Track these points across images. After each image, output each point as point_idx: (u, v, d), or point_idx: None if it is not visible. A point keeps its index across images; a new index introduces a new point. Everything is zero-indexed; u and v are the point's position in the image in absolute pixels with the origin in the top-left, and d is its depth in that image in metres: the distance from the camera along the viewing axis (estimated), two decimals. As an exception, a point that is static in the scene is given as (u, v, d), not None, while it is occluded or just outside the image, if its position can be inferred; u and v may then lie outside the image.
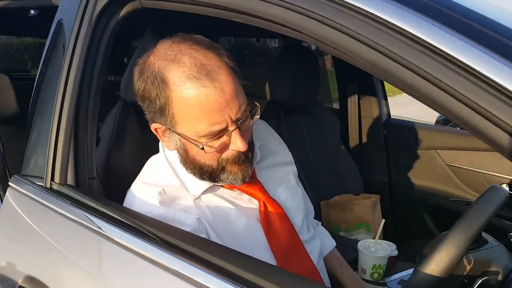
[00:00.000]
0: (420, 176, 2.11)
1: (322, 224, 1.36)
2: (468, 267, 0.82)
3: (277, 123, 1.87)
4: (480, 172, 1.92)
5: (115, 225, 0.85)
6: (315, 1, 0.67)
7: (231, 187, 1.00)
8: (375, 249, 1.34)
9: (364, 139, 2.28)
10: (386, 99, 2.27)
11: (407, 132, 2.16)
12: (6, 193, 1.13)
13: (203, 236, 0.92)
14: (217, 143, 0.88)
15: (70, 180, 1.02)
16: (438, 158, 2.04)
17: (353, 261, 1.37)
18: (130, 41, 3.08)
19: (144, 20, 1.46)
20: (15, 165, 1.18)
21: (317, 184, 1.98)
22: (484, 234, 0.91)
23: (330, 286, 1.13)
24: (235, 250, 0.82)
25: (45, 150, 1.05)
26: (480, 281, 0.79)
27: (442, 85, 0.60)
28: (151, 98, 0.88)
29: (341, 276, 1.22)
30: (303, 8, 0.66)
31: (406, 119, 2.31)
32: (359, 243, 1.36)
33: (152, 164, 1.04)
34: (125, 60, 3.14)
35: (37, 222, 1.02)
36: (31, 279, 0.95)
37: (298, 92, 1.89)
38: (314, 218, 1.31)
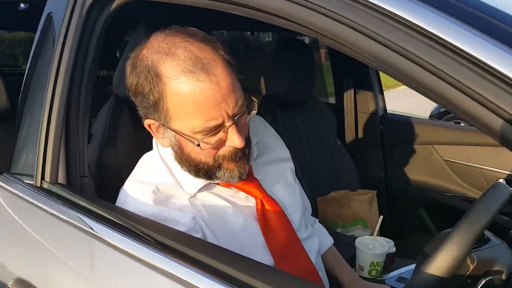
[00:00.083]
0: (417, 171, 2.10)
1: (318, 221, 1.34)
2: (472, 267, 0.80)
3: (273, 118, 1.85)
4: (477, 167, 1.91)
5: (107, 226, 0.82)
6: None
7: (227, 184, 0.97)
8: (373, 246, 1.33)
9: (360, 134, 2.27)
10: (382, 94, 2.26)
11: (403, 127, 2.14)
12: (-5, 192, 1.09)
13: (199, 235, 0.90)
14: (213, 139, 0.86)
15: (61, 178, 0.99)
16: (434, 153, 2.03)
17: (351, 258, 1.35)
18: (123, 34, 3.03)
19: (136, 13, 1.42)
20: (6, 163, 1.15)
21: (313, 180, 1.97)
22: (486, 232, 0.89)
23: (328, 286, 1.11)
24: (232, 251, 0.79)
25: (35, 148, 1.02)
26: (484, 281, 0.77)
27: (447, 78, 0.57)
28: (144, 93, 0.85)
29: (339, 274, 1.21)
30: (305, 0, 0.63)
31: (403, 114, 2.29)
32: (357, 240, 1.34)
33: (146, 162, 1.01)
34: (117, 54, 3.10)
35: (27, 222, 0.98)
36: (21, 282, 0.92)
37: (294, 87, 1.87)
38: (311, 214, 1.29)
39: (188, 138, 0.85)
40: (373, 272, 1.32)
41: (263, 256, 0.97)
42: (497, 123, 0.58)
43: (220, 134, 0.86)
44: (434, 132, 2.07)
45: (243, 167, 0.91)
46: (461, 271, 0.80)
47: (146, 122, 0.90)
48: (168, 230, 0.82)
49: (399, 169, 2.14)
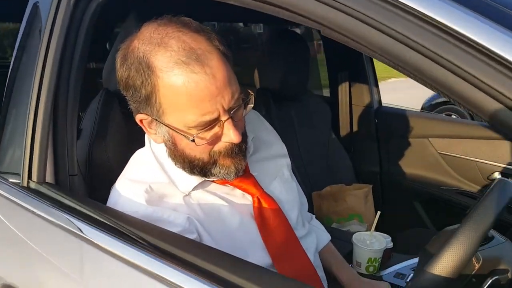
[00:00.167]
0: (412, 165, 2.09)
1: (315, 217, 1.32)
2: (477, 266, 0.78)
3: (267, 112, 1.82)
4: (473, 160, 1.90)
5: (98, 228, 0.78)
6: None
7: (223, 182, 0.94)
8: (370, 242, 1.31)
9: (355, 128, 2.25)
10: (377, 86, 2.23)
11: (398, 120, 2.12)
12: (-21, 192, 1.04)
13: (194, 236, 0.87)
14: (208, 134, 0.82)
15: (49, 177, 0.95)
16: (430, 147, 2.02)
17: (348, 255, 1.33)
18: (113, 25, 2.97)
19: (126, 3, 1.38)
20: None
21: (308, 174, 1.95)
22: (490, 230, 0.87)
23: (325, 284, 1.09)
24: (228, 254, 0.76)
25: (21, 145, 0.98)
26: (490, 281, 0.75)
27: (458, 71, 0.54)
28: (135, 86, 0.81)
29: (337, 272, 1.19)
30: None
31: (398, 107, 2.27)
32: (354, 236, 1.32)
33: (138, 159, 0.97)
34: (107, 46, 3.04)
35: (13, 224, 0.94)
36: (7, 287, 0.88)
37: (289, 79, 1.85)
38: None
39: (182, 134, 0.82)
40: (371, 268, 1.31)
41: (261, 255, 0.94)
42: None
43: (216, 129, 0.82)
44: (429, 125, 2.06)
45: (239, 163, 0.88)
46: (466, 271, 0.78)
47: (138, 117, 0.86)
48: (161, 232, 0.78)
49: (394, 162, 2.13)
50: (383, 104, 2.28)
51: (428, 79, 0.55)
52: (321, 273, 1.09)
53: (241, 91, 0.83)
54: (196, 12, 0.85)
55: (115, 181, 0.94)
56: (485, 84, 0.54)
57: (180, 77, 0.76)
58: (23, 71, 1.09)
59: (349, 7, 0.57)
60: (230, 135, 0.82)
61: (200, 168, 0.87)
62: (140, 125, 0.88)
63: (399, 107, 2.27)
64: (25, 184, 0.96)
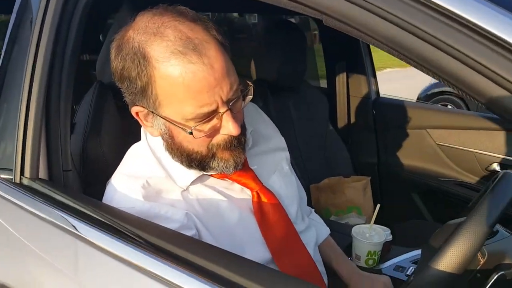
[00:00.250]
0: (410, 156, 2.08)
1: (314, 211, 1.30)
2: (482, 261, 0.77)
3: (264, 104, 1.80)
4: (471, 151, 1.89)
5: (93, 226, 0.76)
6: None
7: (222, 176, 0.92)
8: (370, 235, 1.30)
9: (353, 119, 2.23)
10: (375, 77, 2.22)
11: (396, 111, 2.11)
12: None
13: (192, 232, 0.85)
14: (206, 126, 0.80)
15: (42, 173, 0.92)
16: (428, 138, 2.01)
17: (347, 248, 1.32)
18: (106, 16, 2.92)
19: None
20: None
21: (306, 166, 1.94)
22: (494, 223, 0.86)
23: (325, 278, 1.07)
24: (227, 251, 0.74)
25: (13, 140, 0.95)
26: (496, 276, 0.74)
27: (470, 62, 0.52)
28: (131, 77, 0.79)
29: (337, 266, 1.17)
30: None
31: (396, 98, 2.26)
32: (353, 229, 1.31)
33: (134, 153, 0.95)
34: (100, 37, 3.00)
35: (5, 222, 0.92)
36: (1, 286, 0.85)
37: (286, 69, 1.83)
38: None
39: (180, 126, 0.80)
40: (370, 262, 1.30)
41: (260, 250, 0.93)
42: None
43: (214, 121, 0.80)
44: (427, 116, 2.05)
45: (238, 157, 0.86)
46: (471, 266, 0.76)
47: (134, 110, 0.84)
48: (158, 229, 0.76)
49: (392, 154, 2.12)
50: (385, 95, 2.26)
51: (434, 68, 0.53)
52: (321, 268, 1.07)
53: (239, 82, 0.81)
54: (190, 2, 0.82)
55: (110, 177, 0.91)
56: (490, 71, 0.52)
57: (177, 67, 0.74)
58: (14, 64, 1.06)
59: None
60: (229, 128, 0.79)
61: (198, 162, 0.85)
62: (136, 117, 0.85)
63: (397, 98, 2.25)
64: (17, 181, 0.94)
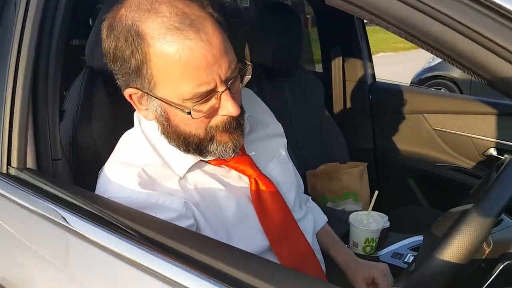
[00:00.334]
0: (406, 141, 2.06)
1: (311, 198, 1.29)
2: (488, 250, 0.75)
3: (260, 89, 1.77)
4: (468, 136, 1.88)
5: (84, 218, 0.72)
6: None
7: (219, 163, 0.90)
8: (368, 222, 1.28)
9: (349, 104, 2.21)
10: (371, 61, 2.18)
11: (392, 95, 2.09)
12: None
13: (191, 221, 0.82)
14: (205, 107, 0.77)
15: (30, 163, 0.88)
16: (424, 122, 1.99)
17: (344, 235, 1.31)
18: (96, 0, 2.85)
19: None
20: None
21: (301, 152, 1.92)
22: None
23: (323, 266, 1.06)
24: (225, 244, 0.71)
25: (-1, 128, 0.90)
26: (501, 266, 0.72)
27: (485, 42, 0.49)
28: (124, 57, 0.75)
29: (334, 254, 1.16)
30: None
31: (392, 82, 2.23)
32: (350, 216, 1.30)
33: (127, 140, 0.92)
34: (90, 22, 2.93)
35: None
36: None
37: (281, 53, 1.79)
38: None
39: (177, 107, 0.76)
40: (368, 249, 1.29)
41: (258, 238, 0.91)
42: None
43: (213, 101, 0.77)
44: (424, 101, 2.03)
45: (237, 139, 0.83)
46: (476, 256, 0.74)
47: (127, 92, 0.80)
48: (151, 221, 0.72)
49: (388, 139, 2.10)
50: (381, 79, 2.23)
51: (449, 50, 0.50)
52: (319, 256, 1.06)
53: (237, 61, 0.78)
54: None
55: (102, 165, 0.88)
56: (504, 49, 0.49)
57: (173, 44, 0.71)
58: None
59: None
60: (228, 107, 0.76)
61: (196, 145, 0.82)
62: (129, 100, 0.82)
63: (393, 83, 2.22)
64: (4, 171, 0.90)
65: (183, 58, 0.71)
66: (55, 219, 0.75)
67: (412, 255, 1.29)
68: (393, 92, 2.09)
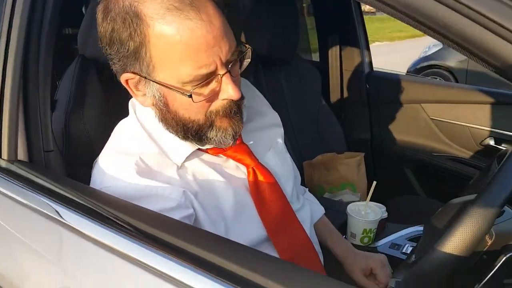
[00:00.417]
0: (403, 131, 2.05)
1: (308, 190, 1.28)
2: (490, 242, 0.73)
3: (256, 79, 1.75)
4: (465, 126, 1.87)
5: (77, 211, 0.70)
6: None
7: (216, 152, 0.88)
8: (366, 213, 1.28)
9: (346, 93, 2.19)
10: (368, 50, 2.16)
11: (390, 85, 2.06)
12: None
13: (190, 211, 0.81)
14: (205, 90, 0.75)
15: (21, 155, 0.86)
16: (422, 112, 1.98)
17: (342, 226, 1.30)
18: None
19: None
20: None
21: (298, 142, 1.90)
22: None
23: (321, 257, 1.05)
24: (223, 238, 0.69)
25: (-12, 119, 0.88)
26: (504, 258, 0.70)
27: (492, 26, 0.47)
28: (121, 39, 0.72)
29: (332, 245, 1.15)
30: None
31: (389, 72, 2.21)
32: (348, 207, 1.29)
33: (122, 129, 0.89)
34: (83, 10, 2.88)
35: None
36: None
37: (278, 42, 1.77)
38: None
39: (177, 90, 0.74)
40: (365, 240, 1.28)
41: (256, 229, 0.90)
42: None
43: (213, 85, 0.75)
44: (421, 90, 2.01)
45: (237, 125, 0.81)
46: (478, 248, 0.73)
47: (123, 77, 0.77)
48: (146, 215, 0.70)
49: (385, 129, 2.09)
50: (379, 68, 2.22)
51: (456, 36, 0.48)
52: (317, 247, 1.05)
53: (237, 44, 0.76)
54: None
55: (95, 157, 0.86)
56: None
57: (173, 24, 0.69)
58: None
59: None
60: (229, 91, 0.74)
61: (195, 132, 0.80)
62: (125, 86, 0.79)
63: (390, 72, 2.20)
64: (-6, 163, 0.88)
65: (183, 39, 0.69)
66: (48, 212, 0.73)
67: (410, 246, 1.29)
68: (391, 82, 2.07)
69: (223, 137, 0.81)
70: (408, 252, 1.25)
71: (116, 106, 0.91)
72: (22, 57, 0.87)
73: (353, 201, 1.36)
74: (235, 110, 0.79)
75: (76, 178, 0.85)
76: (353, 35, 2.10)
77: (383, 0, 0.50)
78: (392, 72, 2.20)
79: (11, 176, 0.83)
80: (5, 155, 0.85)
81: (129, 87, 0.79)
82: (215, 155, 0.89)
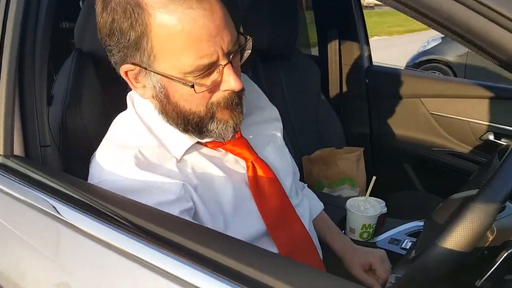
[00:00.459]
0: (403, 126, 2.05)
1: (304, 183, 1.27)
2: (491, 238, 0.73)
3: (254, 73, 1.74)
4: (465, 120, 1.86)
5: (74, 207, 0.69)
6: None
7: (215, 146, 0.88)
8: (365, 208, 1.27)
9: (345, 88, 2.18)
10: (368, 44, 2.14)
11: (389, 79, 2.06)
12: None
13: (189, 205, 0.80)
14: (207, 81, 0.74)
15: (17, 150, 0.85)
16: (421, 107, 1.97)
17: (341, 221, 1.30)
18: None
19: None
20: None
21: (297, 137, 1.89)
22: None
23: (320, 252, 1.04)
24: (222, 234, 0.69)
25: (-17, 114, 0.86)
26: (505, 254, 0.70)
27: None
28: (122, 29, 0.71)
29: (331, 240, 1.15)
30: None
31: (389, 66, 2.20)
32: (347, 202, 1.28)
33: (121, 122, 0.88)
34: (80, 4, 2.86)
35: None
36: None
37: (277, 37, 1.75)
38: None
39: (179, 80, 0.73)
40: (365, 235, 1.28)
41: (255, 223, 0.89)
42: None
43: (215, 75, 0.74)
44: (421, 85, 2.00)
45: (237, 117, 0.81)
46: (480, 243, 0.72)
47: (123, 69, 0.76)
48: (143, 210, 0.69)
49: (384, 123, 2.08)
50: (378, 63, 2.21)
51: (461, 28, 0.47)
52: (316, 242, 1.05)
53: (238, 35, 0.75)
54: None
55: (93, 151, 0.85)
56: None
57: (175, 14, 0.68)
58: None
59: None
60: (230, 82, 0.74)
61: (195, 124, 0.79)
62: (125, 78, 0.78)
63: (390, 66, 2.19)
64: (-10, 158, 0.87)
65: (185, 28, 0.68)
66: (45, 208, 0.72)
67: (410, 241, 1.28)
68: (390, 76, 2.06)
69: (223, 130, 0.80)
70: (408, 247, 1.25)
71: (114, 100, 0.90)
72: (17, 50, 0.86)
73: (352, 196, 1.35)
74: (237, 101, 0.79)
75: (73, 173, 0.84)
76: (353, 29, 2.09)
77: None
78: (392, 66, 2.19)
79: (7, 171, 0.82)
80: (1, 150, 0.84)
81: (128, 79, 0.78)
82: (214, 149, 0.88)
